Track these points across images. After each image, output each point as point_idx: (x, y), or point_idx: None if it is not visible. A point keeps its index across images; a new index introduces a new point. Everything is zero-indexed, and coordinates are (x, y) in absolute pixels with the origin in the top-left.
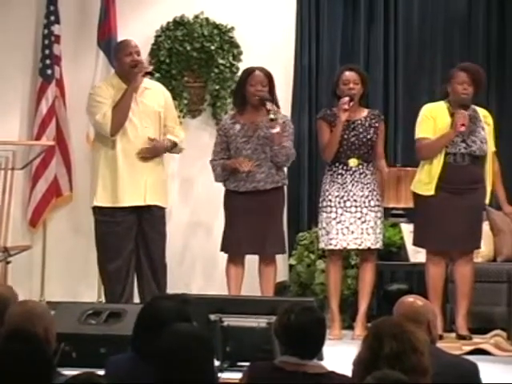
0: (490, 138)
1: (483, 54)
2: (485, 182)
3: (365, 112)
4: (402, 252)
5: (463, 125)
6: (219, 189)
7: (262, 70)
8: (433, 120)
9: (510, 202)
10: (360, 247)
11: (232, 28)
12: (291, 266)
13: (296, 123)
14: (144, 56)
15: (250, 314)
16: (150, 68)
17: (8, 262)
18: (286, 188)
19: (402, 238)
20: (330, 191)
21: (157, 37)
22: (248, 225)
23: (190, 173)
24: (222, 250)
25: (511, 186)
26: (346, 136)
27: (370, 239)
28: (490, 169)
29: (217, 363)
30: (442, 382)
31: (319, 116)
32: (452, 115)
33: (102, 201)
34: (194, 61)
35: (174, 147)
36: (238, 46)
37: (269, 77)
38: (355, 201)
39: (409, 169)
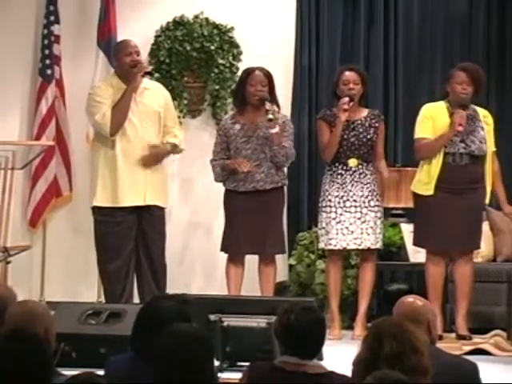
0: (489, 137)
1: (483, 54)
2: (485, 181)
3: (365, 112)
4: (402, 252)
5: (461, 125)
6: (219, 189)
7: (261, 69)
8: (432, 120)
9: (510, 201)
10: (360, 247)
11: (232, 28)
12: (291, 266)
13: (296, 123)
14: (144, 56)
15: (249, 314)
16: (150, 68)
17: (8, 262)
18: (285, 188)
19: (402, 238)
20: (329, 191)
21: (157, 37)
22: (248, 225)
23: (190, 173)
24: (221, 249)
25: (511, 185)
26: (345, 136)
27: (370, 239)
28: (490, 169)
29: (217, 363)
30: (442, 382)
31: (319, 116)
32: (451, 115)
33: (102, 201)
34: (194, 61)
35: (174, 149)
36: (237, 46)
37: (269, 77)
38: (355, 201)
39: (409, 169)
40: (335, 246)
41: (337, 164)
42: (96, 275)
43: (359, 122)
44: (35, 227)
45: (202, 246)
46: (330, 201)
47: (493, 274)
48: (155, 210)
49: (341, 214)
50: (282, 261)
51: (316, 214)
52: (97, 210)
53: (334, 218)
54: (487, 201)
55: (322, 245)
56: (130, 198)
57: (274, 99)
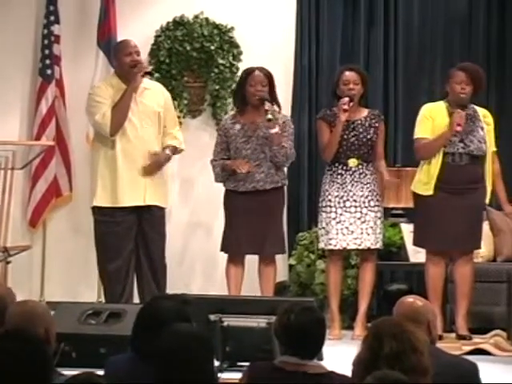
0: (489, 137)
1: (483, 54)
2: (485, 181)
3: (365, 112)
4: (402, 252)
5: (459, 125)
6: (219, 189)
7: (261, 70)
8: (431, 120)
9: (510, 201)
10: (360, 247)
11: (232, 28)
12: (291, 266)
13: (296, 123)
14: (144, 56)
15: (249, 314)
16: (150, 68)
17: (8, 262)
18: (285, 188)
19: (402, 238)
20: (329, 191)
21: (157, 37)
22: (248, 225)
23: (190, 173)
24: (221, 250)
25: (511, 186)
26: (345, 136)
27: (370, 239)
28: (490, 168)
29: (217, 363)
30: (442, 382)
31: (319, 116)
32: (451, 115)
33: (102, 201)
34: (194, 61)
35: (175, 152)
36: (237, 46)
37: (269, 77)
38: (355, 201)
39: (409, 169)
40: (335, 246)
41: (337, 164)
42: (96, 275)
43: (359, 122)
44: (35, 227)
45: (201, 246)
46: (329, 201)
47: (493, 273)
48: (155, 210)
49: (341, 214)
50: (282, 261)
51: (316, 214)
52: (97, 210)
53: (334, 218)
54: (487, 201)
55: (321, 245)
56: (129, 198)
57: (274, 99)
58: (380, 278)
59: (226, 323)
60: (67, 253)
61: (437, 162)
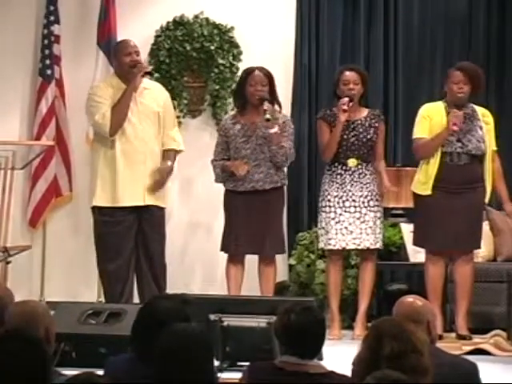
0: (489, 137)
1: (483, 54)
2: (484, 181)
3: (365, 112)
4: (402, 252)
5: (455, 124)
6: (219, 189)
7: (261, 69)
8: (429, 120)
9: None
10: (359, 247)
11: (232, 28)
12: (291, 266)
13: (296, 123)
14: (144, 56)
15: (249, 313)
16: (150, 68)
17: (8, 262)
18: (285, 188)
19: (401, 238)
20: (329, 191)
21: (157, 37)
22: (248, 225)
23: (190, 173)
24: (221, 249)
25: (511, 186)
26: (345, 136)
27: (369, 239)
28: (490, 168)
29: (217, 363)
30: (442, 382)
31: (319, 116)
32: (449, 115)
33: (102, 201)
34: (194, 61)
35: (176, 155)
36: (237, 46)
37: (269, 76)
38: (354, 201)
39: (409, 169)
40: (334, 245)
41: (336, 164)
42: (96, 275)
43: (359, 122)
44: (35, 227)
45: (201, 246)
46: (329, 201)
47: (493, 273)
48: (155, 210)
49: (340, 214)
50: (281, 261)
51: (316, 214)
52: (96, 210)
53: (334, 218)
54: (487, 200)
55: (321, 245)
56: (129, 197)
57: (274, 99)
58: (380, 278)
59: (226, 323)
60: (67, 253)
61: (435, 162)
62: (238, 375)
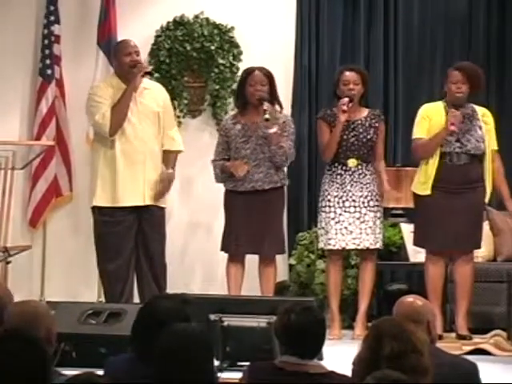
0: (489, 136)
1: (483, 54)
2: (484, 181)
3: (365, 112)
4: (402, 252)
5: (453, 124)
6: (219, 189)
7: (261, 69)
8: (429, 120)
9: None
10: (359, 247)
11: (232, 28)
12: (291, 266)
13: (296, 123)
14: (144, 56)
15: (250, 313)
16: (150, 68)
17: (8, 262)
18: (285, 188)
19: (402, 238)
20: (329, 191)
21: (157, 37)
22: (248, 224)
23: (190, 173)
24: (222, 249)
25: (511, 186)
26: (345, 136)
27: (369, 239)
28: (490, 167)
29: (217, 363)
30: (442, 382)
31: (319, 116)
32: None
33: (102, 201)
34: (194, 61)
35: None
36: (237, 46)
37: (269, 76)
38: (354, 201)
39: (408, 169)
40: (334, 245)
41: (336, 164)
42: (96, 275)
43: (359, 122)
44: (35, 227)
45: (201, 246)
46: (329, 201)
47: (493, 273)
48: (155, 210)
49: (340, 214)
50: (282, 261)
51: (316, 214)
52: (96, 210)
53: (333, 218)
54: (487, 200)
55: (321, 245)
56: (129, 197)
57: (275, 99)
58: (380, 278)
59: (226, 323)
60: (67, 253)
61: (434, 162)
62: (238, 375)
